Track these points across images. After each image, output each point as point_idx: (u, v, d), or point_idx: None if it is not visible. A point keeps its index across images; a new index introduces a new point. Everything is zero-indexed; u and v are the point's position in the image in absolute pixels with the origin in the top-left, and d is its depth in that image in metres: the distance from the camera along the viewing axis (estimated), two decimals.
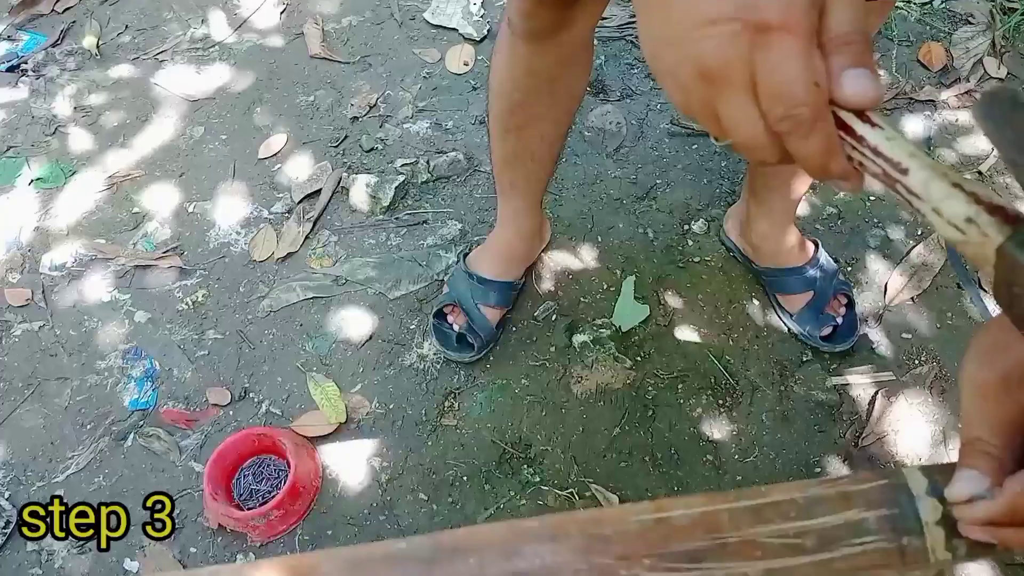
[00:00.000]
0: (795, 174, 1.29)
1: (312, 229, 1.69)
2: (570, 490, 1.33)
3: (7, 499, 1.39)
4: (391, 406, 1.45)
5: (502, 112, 1.20)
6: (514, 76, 1.13)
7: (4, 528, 1.36)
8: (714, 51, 0.38)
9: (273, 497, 1.29)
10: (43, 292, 1.65)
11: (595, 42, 1.29)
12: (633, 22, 1.96)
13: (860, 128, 0.39)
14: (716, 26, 0.37)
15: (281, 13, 2.14)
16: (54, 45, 2.13)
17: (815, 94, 0.38)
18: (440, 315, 1.47)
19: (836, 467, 1.34)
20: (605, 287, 1.56)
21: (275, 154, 1.84)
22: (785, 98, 0.38)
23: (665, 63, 0.41)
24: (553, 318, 1.52)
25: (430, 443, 1.41)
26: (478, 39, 2.00)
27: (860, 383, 1.43)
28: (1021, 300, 0.36)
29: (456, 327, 1.44)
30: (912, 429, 1.38)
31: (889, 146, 0.39)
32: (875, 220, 1.64)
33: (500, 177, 1.35)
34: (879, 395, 1.42)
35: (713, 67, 0.39)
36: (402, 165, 1.77)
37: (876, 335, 1.49)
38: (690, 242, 1.61)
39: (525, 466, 1.37)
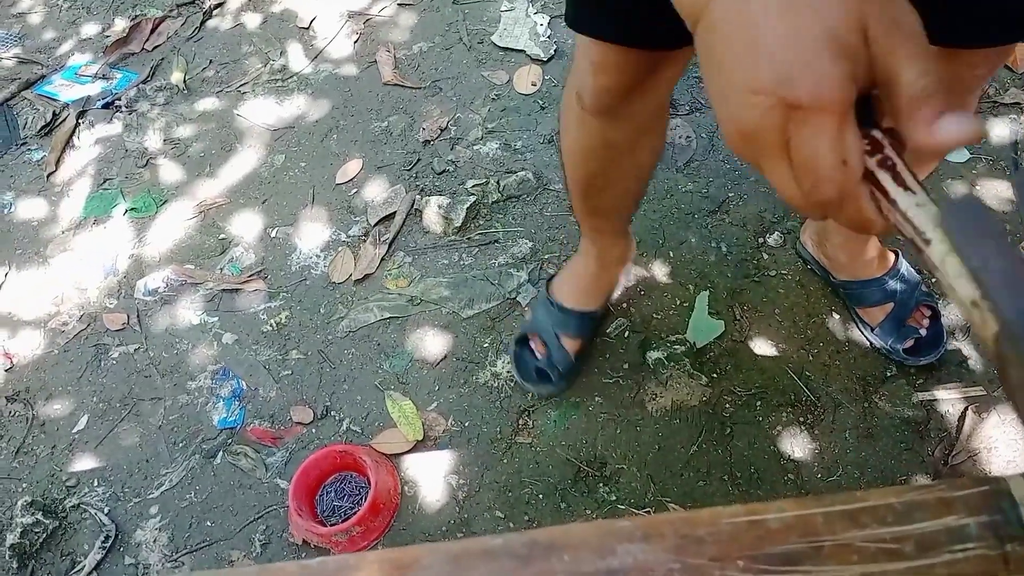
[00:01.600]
0: None
1: (388, 251, 1.74)
2: (647, 509, 1.33)
3: (106, 514, 1.47)
4: (466, 423, 1.47)
5: (579, 179, 1.17)
6: (590, 149, 1.09)
7: (104, 543, 1.43)
8: (751, 118, 0.39)
9: (355, 513, 1.32)
10: (138, 316, 1.74)
11: None
12: None
13: (893, 191, 0.40)
14: (755, 95, 0.39)
15: (355, 43, 2.21)
16: (144, 82, 2.25)
17: (842, 172, 0.38)
18: (522, 341, 1.48)
19: None
20: (678, 303, 1.55)
21: (351, 179, 1.89)
22: (813, 174, 0.39)
23: (719, 114, 0.43)
24: (626, 335, 1.52)
25: (505, 460, 1.42)
26: (545, 59, 2.02)
27: (948, 399, 1.38)
28: (1012, 390, 0.36)
29: (538, 355, 1.44)
30: (1005, 446, 1.32)
31: (917, 212, 0.39)
32: None
33: (581, 221, 1.33)
34: (969, 411, 1.36)
35: (750, 132, 0.40)
36: (473, 186, 1.80)
37: (965, 349, 1.43)
38: (765, 255, 1.59)
39: (601, 484, 1.37)
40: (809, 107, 0.37)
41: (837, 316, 1.49)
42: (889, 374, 1.41)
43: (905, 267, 1.43)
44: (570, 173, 1.19)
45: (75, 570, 1.41)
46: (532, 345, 1.46)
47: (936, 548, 0.43)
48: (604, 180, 1.16)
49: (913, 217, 0.39)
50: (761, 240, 1.61)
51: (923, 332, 1.40)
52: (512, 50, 2.07)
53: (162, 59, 2.32)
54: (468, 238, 1.73)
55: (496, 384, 1.51)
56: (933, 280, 1.52)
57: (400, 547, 0.48)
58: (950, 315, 1.47)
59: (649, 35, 0.83)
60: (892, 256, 1.43)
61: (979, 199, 0.37)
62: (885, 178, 0.40)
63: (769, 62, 0.38)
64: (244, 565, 1.37)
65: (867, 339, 1.45)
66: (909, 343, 1.39)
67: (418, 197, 1.81)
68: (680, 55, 0.89)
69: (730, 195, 1.69)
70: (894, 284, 1.40)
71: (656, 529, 0.47)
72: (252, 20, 2.35)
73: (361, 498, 1.39)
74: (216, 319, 1.70)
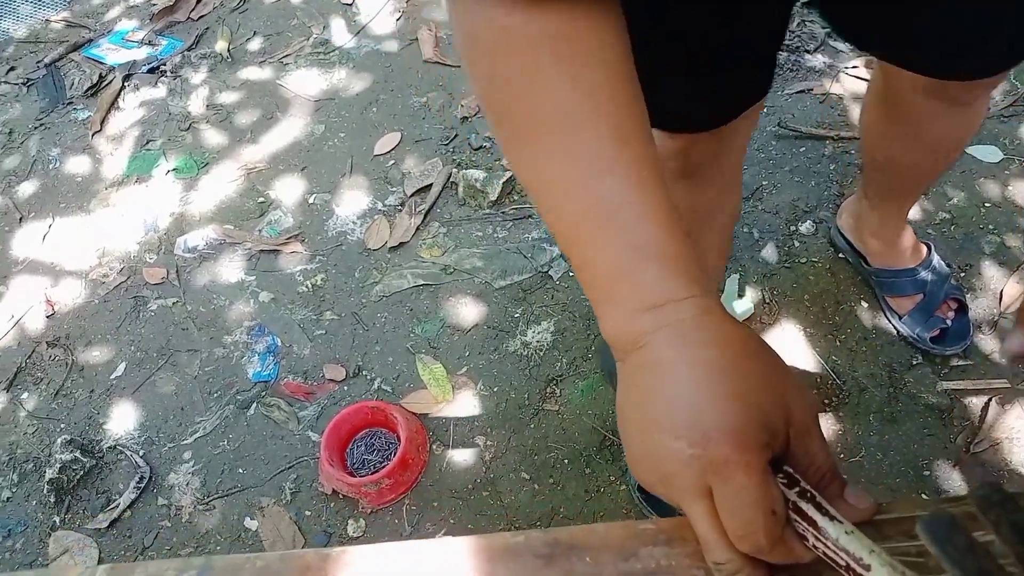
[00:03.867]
0: (908, 190, 1.29)
1: (423, 221, 1.77)
2: None
3: (141, 456, 1.51)
4: (495, 389, 1.50)
5: None
6: None
7: (139, 483, 1.47)
8: (672, 463, 0.42)
9: (384, 467, 1.36)
10: (177, 272, 1.78)
11: None
12: None
13: (820, 521, 0.42)
14: (675, 444, 0.42)
15: (397, 20, 2.25)
16: (189, 49, 2.30)
17: (772, 521, 0.41)
18: None
19: (946, 471, 1.32)
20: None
21: (389, 151, 1.93)
22: (744, 526, 0.41)
23: (631, 449, 0.46)
24: None
25: (532, 426, 1.45)
26: None
27: (972, 389, 1.40)
28: None
29: None
30: None
31: (849, 540, 0.41)
32: (990, 226, 1.61)
33: None
34: (992, 402, 1.38)
35: (669, 474, 0.43)
36: None
37: (990, 342, 1.45)
38: (797, 243, 1.61)
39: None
40: (736, 464, 0.40)
41: (866, 304, 1.51)
42: (915, 362, 1.43)
43: (936, 260, 1.45)
44: None
45: (109, 507, 1.45)
46: None
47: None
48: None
49: (846, 545, 0.41)
50: (793, 228, 1.63)
51: (950, 323, 1.42)
52: None
53: (207, 28, 2.36)
54: (503, 212, 1.76)
55: (526, 353, 1.54)
56: (962, 274, 1.54)
57: (420, 540, 0.50)
58: (977, 309, 1.49)
59: (704, 118, 0.83)
60: (925, 248, 1.45)
61: (948, 513, 0.39)
62: (809, 509, 0.43)
63: (701, 418, 0.41)
64: (275, 511, 1.41)
65: (895, 327, 1.47)
66: (936, 332, 1.42)
67: (454, 170, 1.84)
68: (746, 120, 0.88)
69: (764, 183, 1.72)
70: (925, 275, 1.42)
71: (679, 533, 0.47)
72: None
73: (390, 453, 1.42)
74: (253, 278, 1.74)
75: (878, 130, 1.16)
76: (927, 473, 1.32)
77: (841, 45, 1.99)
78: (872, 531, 0.48)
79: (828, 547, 0.42)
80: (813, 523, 0.42)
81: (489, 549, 0.48)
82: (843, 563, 0.42)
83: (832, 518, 0.42)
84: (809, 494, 0.43)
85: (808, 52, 1.97)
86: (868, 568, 0.40)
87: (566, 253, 0.50)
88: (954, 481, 1.31)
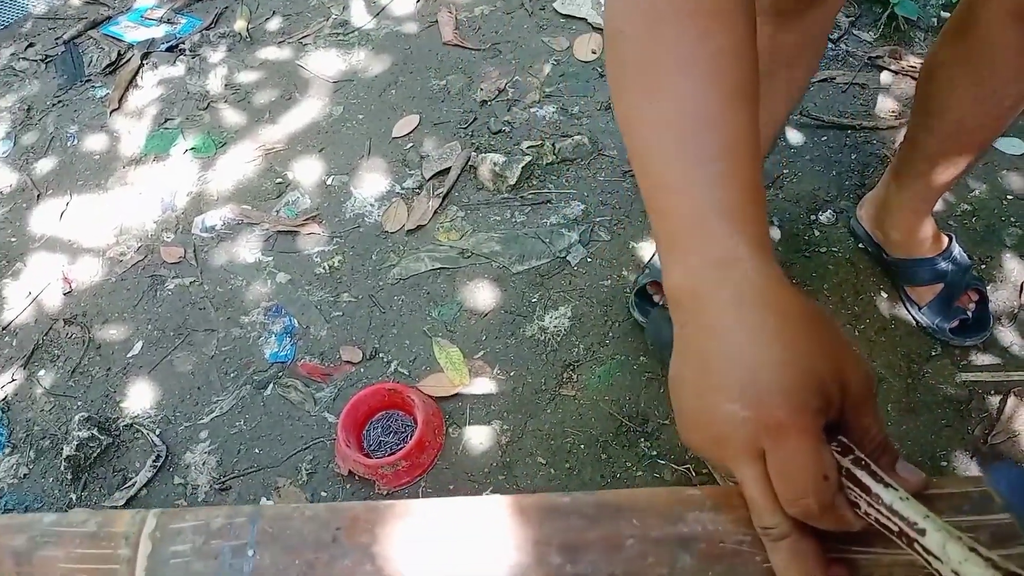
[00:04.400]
0: (947, 163, 1.26)
1: (441, 204, 1.77)
2: (687, 465, 1.35)
3: (158, 435, 1.52)
4: (512, 373, 1.50)
5: None
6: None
7: (155, 462, 1.48)
8: (726, 425, 0.43)
9: (401, 449, 1.36)
10: (194, 251, 1.79)
11: None
12: None
13: (875, 487, 0.42)
14: (732, 405, 0.43)
15: (417, 1, 2.24)
16: (208, 28, 2.30)
17: (824, 487, 0.41)
18: (641, 294, 1.49)
19: (963, 462, 1.31)
20: None
21: (408, 133, 1.93)
22: (796, 490, 0.42)
23: (686, 408, 0.47)
24: None
25: (549, 411, 1.45)
26: None
27: (991, 381, 1.39)
28: None
29: (660, 303, 1.46)
30: None
31: (904, 506, 0.41)
32: (1012, 219, 1.59)
33: None
34: (1011, 394, 1.37)
35: (723, 437, 0.44)
36: (528, 147, 1.83)
37: (1010, 334, 1.44)
38: (816, 232, 1.60)
39: (642, 439, 1.39)
40: (790, 427, 0.41)
41: (885, 295, 1.50)
42: (934, 353, 1.43)
43: (957, 250, 1.44)
44: None
45: (126, 485, 1.46)
46: (657, 297, 1.47)
47: (1011, 540, 0.45)
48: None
49: (900, 510, 0.41)
50: (813, 217, 1.62)
51: (970, 314, 1.42)
52: (574, 18, 2.09)
53: (226, 7, 2.36)
54: (521, 196, 1.76)
55: (543, 338, 1.54)
56: (983, 266, 1.53)
57: (467, 496, 0.50)
58: (997, 301, 1.48)
59: None
60: (946, 239, 1.44)
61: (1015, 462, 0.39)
62: (863, 475, 0.43)
63: (759, 380, 0.42)
64: (291, 491, 1.41)
65: (914, 318, 1.46)
66: (955, 323, 1.41)
67: (473, 154, 1.84)
68: None
69: (784, 171, 1.70)
70: (946, 265, 1.41)
71: (727, 500, 0.47)
72: None
73: (407, 435, 1.42)
74: (271, 259, 1.75)
75: (943, 72, 1.14)
76: (945, 464, 1.31)
77: (865, 35, 1.97)
78: (921, 504, 0.48)
79: (881, 513, 0.42)
80: (867, 489, 0.42)
81: (536, 508, 0.48)
82: (896, 528, 0.41)
83: (887, 485, 0.42)
84: (864, 462, 0.43)
85: (832, 41, 1.95)
86: (923, 532, 0.40)
87: (647, 197, 0.52)
88: (972, 472, 1.30)
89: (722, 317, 0.45)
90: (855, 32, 1.97)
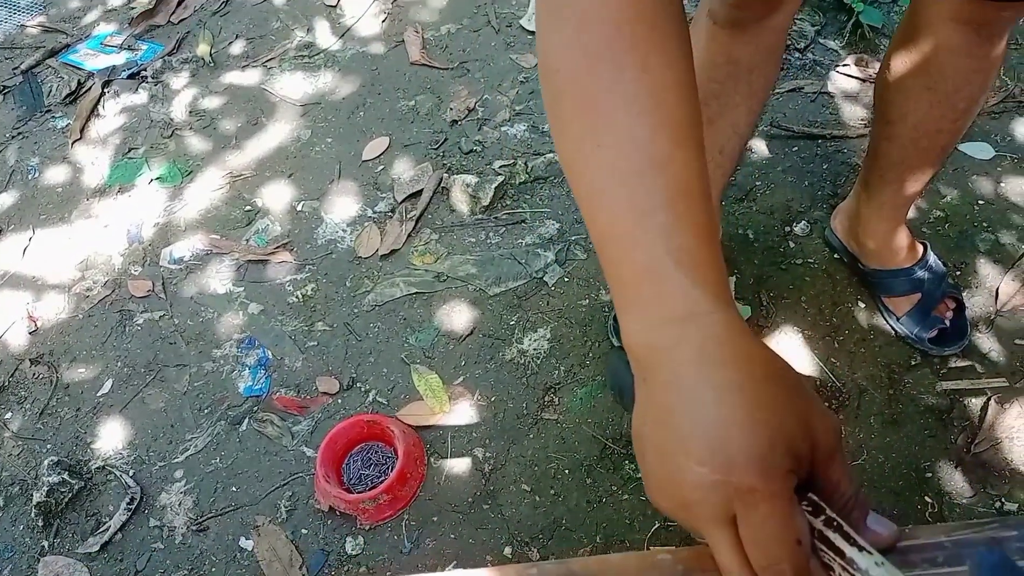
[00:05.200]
0: (912, 169, 1.27)
1: (414, 227, 1.75)
2: None
3: (131, 476, 1.48)
4: (492, 398, 1.48)
5: None
6: (713, 65, 1.15)
7: (130, 504, 1.44)
8: (693, 489, 0.41)
9: (382, 482, 1.33)
10: (163, 284, 1.75)
11: None
12: None
13: (850, 552, 0.41)
14: (700, 467, 0.41)
15: (382, 22, 2.22)
16: (170, 54, 2.26)
17: (798, 552, 0.40)
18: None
19: (948, 472, 1.31)
20: None
21: (378, 156, 1.90)
22: (769, 555, 0.40)
23: (647, 467, 0.45)
24: None
25: (531, 436, 1.43)
26: None
27: (971, 388, 1.40)
28: None
29: (619, 343, 1.45)
30: None
31: (879, 572, 0.40)
32: (984, 224, 1.60)
33: None
34: (992, 401, 1.38)
35: (692, 501, 0.42)
36: (500, 166, 1.81)
37: (988, 340, 1.45)
38: (792, 244, 1.60)
39: (627, 461, 1.38)
40: (762, 492, 0.40)
41: (863, 305, 1.50)
42: (914, 363, 1.43)
43: (933, 259, 1.44)
44: None
45: (100, 530, 1.42)
46: None
47: None
48: (717, 108, 1.20)
49: (876, 575, 0.40)
50: (788, 228, 1.62)
51: (948, 323, 1.42)
52: None
53: (188, 32, 2.32)
54: (495, 217, 1.74)
55: (523, 361, 1.52)
56: (958, 272, 1.53)
57: (428, 574, 0.47)
58: (974, 307, 1.48)
59: None
60: (921, 247, 1.44)
61: (1003, 551, 0.38)
62: (837, 538, 0.42)
63: (726, 443, 0.40)
64: (271, 530, 1.38)
65: (892, 328, 1.46)
66: (934, 333, 1.41)
67: (445, 175, 1.82)
68: None
69: (757, 183, 1.70)
70: (922, 274, 1.42)
71: (697, 563, 0.46)
72: None
73: (387, 467, 1.40)
74: (242, 289, 1.71)
75: (897, 80, 1.16)
76: (929, 475, 1.31)
77: (831, 43, 1.98)
78: (896, 558, 0.46)
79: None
80: (841, 553, 0.41)
81: None
82: None
83: (861, 548, 0.41)
84: (836, 523, 0.42)
85: (798, 50, 1.96)
86: None
87: (599, 245, 0.49)
88: (956, 483, 1.30)
89: (684, 375, 0.43)
90: (821, 41, 1.98)
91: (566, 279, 1.61)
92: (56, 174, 2.02)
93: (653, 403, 0.45)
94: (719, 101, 1.19)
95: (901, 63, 1.14)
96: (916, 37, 1.09)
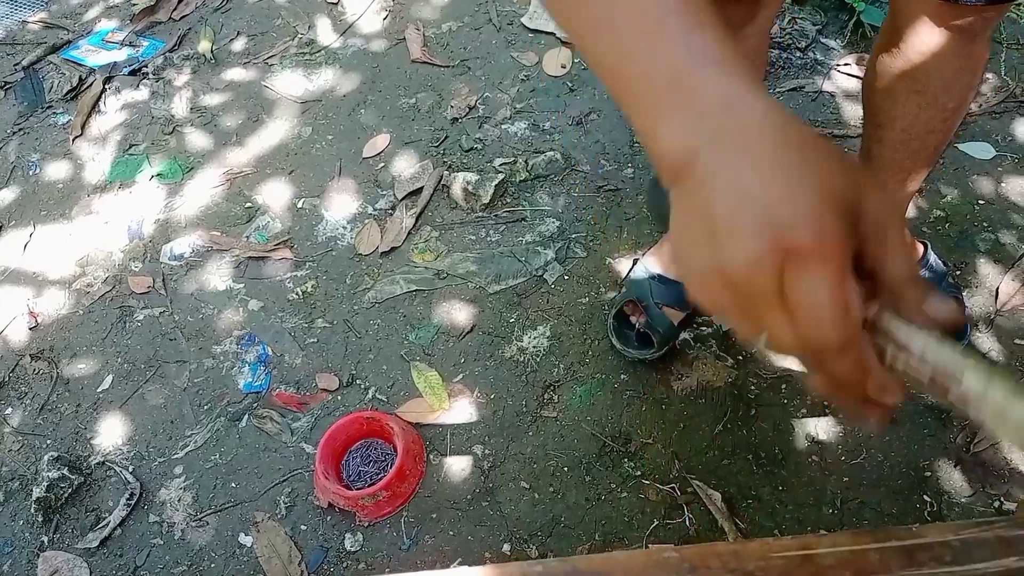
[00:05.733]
0: (905, 170, 1.27)
1: (414, 225, 1.75)
2: (672, 485, 1.34)
3: (131, 472, 1.48)
4: (492, 396, 1.48)
5: None
6: None
7: (129, 500, 1.44)
8: (742, 265, 0.39)
9: (381, 478, 1.34)
10: (163, 280, 1.75)
11: None
12: None
13: (904, 333, 0.39)
14: (747, 240, 0.39)
15: (384, 19, 2.22)
16: (171, 50, 2.26)
17: (846, 321, 0.38)
18: (619, 316, 1.48)
19: (947, 471, 1.31)
20: None
21: (379, 153, 1.90)
22: (817, 323, 0.38)
23: (690, 262, 0.42)
24: None
25: (530, 433, 1.43)
26: None
27: None
28: None
29: (637, 325, 1.45)
30: None
31: (938, 351, 0.38)
32: (984, 224, 1.60)
33: None
34: None
35: (743, 280, 0.39)
36: (501, 164, 1.81)
37: (987, 340, 1.45)
38: None
39: (626, 459, 1.38)
40: (813, 254, 0.38)
41: None
42: None
43: (933, 258, 1.44)
44: None
45: (99, 526, 1.42)
46: (633, 318, 1.46)
47: None
48: None
49: (934, 355, 0.38)
50: None
51: None
52: (542, 32, 2.07)
53: (189, 29, 2.32)
54: (495, 215, 1.74)
55: (522, 359, 1.52)
56: (958, 272, 1.53)
57: (430, 571, 0.47)
58: (974, 307, 1.48)
59: None
60: (921, 247, 1.44)
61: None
62: (889, 319, 0.40)
63: (775, 209, 0.38)
64: (270, 526, 1.38)
65: None
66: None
67: (446, 173, 1.82)
68: None
69: None
70: (923, 274, 1.41)
71: (703, 561, 0.46)
72: None
73: (387, 464, 1.40)
74: (242, 286, 1.71)
75: (883, 84, 1.15)
76: (928, 474, 1.31)
77: (832, 42, 1.98)
78: (903, 558, 0.46)
79: (911, 359, 0.39)
80: (894, 336, 0.39)
81: None
82: (927, 377, 0.38)
83: (918, 329, 0.39)
84: (889, 305, 0.40)
85: (799, 50, 1.96)
86: (959, 376, 0.37)
87: (614, 75, 0.47)
88: (955, 482, 1.31)
89: (725, 161, 0.41)
90: (822, 40, 1.98)
91: (566, 277, 1.61)
92: (57, 170, 2.02)
93: (693, 200, 0.42)
94: None
95: (887, 67, 1.14)
96: (899, 40, 1.09)
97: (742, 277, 0.39)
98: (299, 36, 2.22)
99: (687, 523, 1.30)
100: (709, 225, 0.41)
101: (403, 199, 1.79)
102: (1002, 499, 1.28)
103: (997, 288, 1.50)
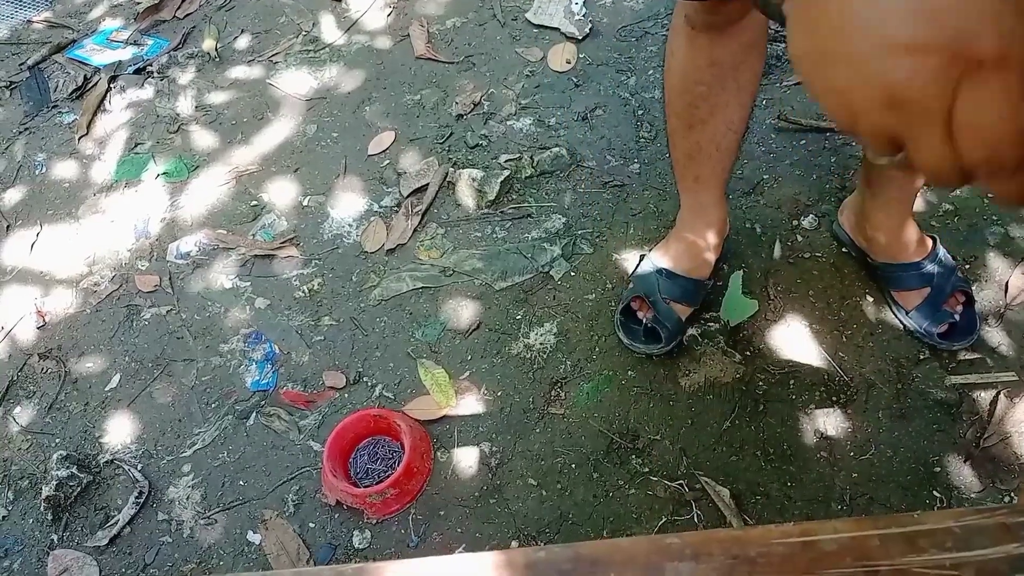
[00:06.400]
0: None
1: (420, 222, 1.74)
2: (680, 481, 1.34)
3: (140, 470, 1.48)
4: (499, 393, 1.48)
5: (685, 108, 1.22)
6: (696, 69, 1.15)
7: (138, 498, 1.44)
8: (910, 81, 0.34)
9: (388, 476, 1.34)
10: (170, 279, 1.75)
11: None
12: None
13: None
14: (915, 54, 0.33)
15: (388, 16, 2.21)
16: (176, 49, 2.26)
17: (1021, 136, 0.34)
18: (626, 312, 1.48)
19: (957, 467, 1.30)
20: (713, 281, 1.55)
21: (384, 150, 1.90)
22: (991, 142, 0.34)
23: (832, 81, 0.37)
24: None
25: (538, 430, 1.43)
26: (580, 38, 2.02)
27: (980, 383, 1.39)
28: None
29: (645, 320, 1.45)
30: None
31: None
32: (994, 217, 1.59)
33: (683, 173, 1.36)
34: (1001, 395, 1.37)
35: (905, 98, 0.34)
36: (506, 160, 1.80)
37: (997, 334, 1.44)
38: (799, 237, 1.59)
39: (633, 456, 1.38)
40: (995, 63, 0.32)
41: (871, 299, 1.50)
42: (922, 357, 1.42)
43: (942, 252, 1.43)
44: (675, 105, 1.23)
45: (108, 524, 1.42)
46: (640, 313, 1.46)
47: None
48: (708, 109, 1.20)
49: None
50: (796, 222, 1.61)
51: (958, 317, 1.41)
52: (547, 28, 2.07)
53: (193, 27, 2.32)
54: (501, 212, 1.73)
55: (529, 356, 1.52)
56: (967, 266, 1.52)
57: (435, 556, 0.47)
58: (983, 301, 1.47)
59: None
60: (930, 241, 1.43)
61: None
62: None
63: (942, 17, 0.33)
64: (278, 523, 1.38)
65: (901, 322, 1.45)
66: (944, 327, 1.40)
67: (451, 170, 1.81)
68: None
69: (765, 177, 1.69)
70: (932, 268, 1.41)
71: (705, 548, 0.45)
72: None
73: (394, 462, 1.40)
74: (248, 284, 1.71)
75: None
76: (938, 470, 1.30)
77: None
78: (904, 545, 0.46)
79: None
80: None
81: (510, 565, 0.47)
82: None
83: None
84: None
85: None
86: None
87: None
88: (965, 477, 1.30)
89: None
90: None
91: (572, 273, 1.61)
92: (63, 169, 2.02)
93: (818, 13, 0.36)
94: (709, 103, 1.19)
95: None
96: None
97: (912, 94, 0.34)
98: (303, 33, 2.22)
99: (695, 520, 1.29)
100: (852, 37, 0.35)
101: (408, 196, 1.79)
102: (1012, 495, 1.28)
103: (1007, 282, 1.49)
